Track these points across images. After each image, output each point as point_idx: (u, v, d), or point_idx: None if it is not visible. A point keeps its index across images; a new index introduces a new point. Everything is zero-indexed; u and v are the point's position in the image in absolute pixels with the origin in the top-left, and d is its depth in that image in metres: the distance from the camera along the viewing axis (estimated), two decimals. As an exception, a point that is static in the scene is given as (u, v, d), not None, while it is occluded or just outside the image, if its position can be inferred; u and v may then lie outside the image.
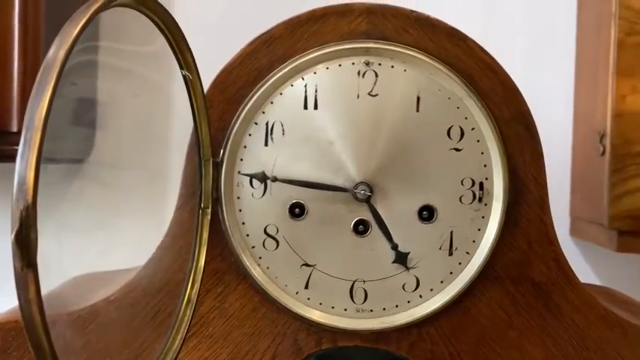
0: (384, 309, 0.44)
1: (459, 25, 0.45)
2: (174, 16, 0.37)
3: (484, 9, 0.76)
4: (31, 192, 0.21)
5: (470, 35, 0.44)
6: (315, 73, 0.44)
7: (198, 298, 0.41)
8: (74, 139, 0.67)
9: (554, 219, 0.45)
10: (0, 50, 0.62)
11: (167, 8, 0.36)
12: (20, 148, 0.22)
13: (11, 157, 0.65)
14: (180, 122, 0.69)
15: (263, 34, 0.44)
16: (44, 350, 0.22)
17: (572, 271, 0.45)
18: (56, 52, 0.23)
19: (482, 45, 0.44)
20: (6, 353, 0.43)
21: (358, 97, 0.43)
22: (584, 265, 0.78)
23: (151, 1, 0.32)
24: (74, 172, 0.72)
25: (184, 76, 0.38)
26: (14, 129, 0.63)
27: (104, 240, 0.66)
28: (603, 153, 0.69)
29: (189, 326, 0.40)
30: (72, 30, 0.24)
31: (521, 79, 0.45)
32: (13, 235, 0.22)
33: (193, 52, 0.39)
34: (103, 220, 0.68)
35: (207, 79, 0.43)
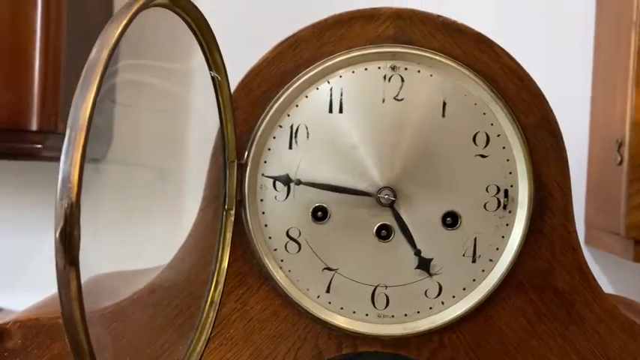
0: (406, 315, 0.44)
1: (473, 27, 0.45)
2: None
3: (499, 16, 0.76)
4: (75, 190, 0.21)
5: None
6: (340, 76, 0.44)
7: (221, 299, 0.41)
8: (93, 140, 0.67)
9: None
10: (22, 51, 0.62)
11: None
12: (64, 146, 0.22)
13: (31, 155, 0.65)
14: (198, 126, 0.69)
15: (290, 37, 0.44)
16: (82, 347, 0.22)
17: (595, 280, 0.45)
18: (99, 52, 0.23)
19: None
20: (26, 351, 0.43)
21: (384, 101, 0.43)
22: (599, 274, 0.78)
23: (186, 2, 0.32)
24: (90, 172, 0.72)
25: (213, 78, 0.39)
26: (34, 128, 0.63)
27: (124, 240, 0.66)
28: (621, 162, 0.68)
29: (212, 328, 0.40)
30: (114, 30, 0.24)
31: (539, 85, 0.45)
32: (57, 233, 0.22)
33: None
34: (121, 220, 0.68)
35: (233, 81, 0.43)
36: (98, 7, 0.72)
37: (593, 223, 0.77)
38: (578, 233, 0.77)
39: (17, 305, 0.51)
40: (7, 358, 0.43)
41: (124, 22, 0.25)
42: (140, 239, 0.68)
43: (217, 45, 0.38)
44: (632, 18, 0.66)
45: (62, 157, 0.22)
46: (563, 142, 0.44)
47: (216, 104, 0.40)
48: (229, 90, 0.41)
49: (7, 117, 0.63)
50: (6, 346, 0.43)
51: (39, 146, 0.64)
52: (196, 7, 0.34)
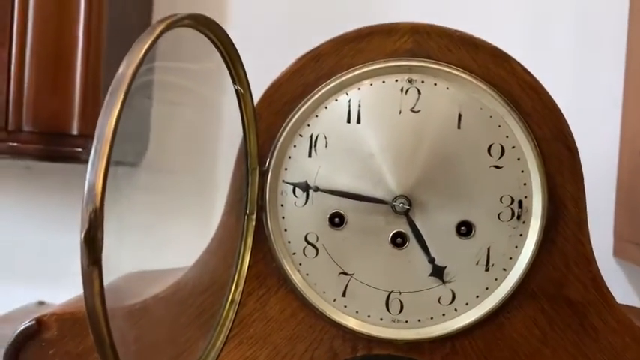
0: (419, 320, 0.45)
1: (506, 43, 0.46)
2: (228, 30, 0.39)
3: (530, 22, 0.76)
4: (99, 197, 0.24)
5: (518, 52, 0.45)
6: (359, 88, 0.45)
7: (241, 299, 0.43)
8: (130, 145, 0.70)
9: (597, 238, 0.45)
10: (64, 58, 0.66)
11: (222, 22, 0.38)
12: (91, 157, 0.24)
13: (72, 159, 0.69)
14: (228, 133, 0.72)
15: (311, 50, 0.46)
16: (104, 340, 0.25)
17: (609, 291, 0.45)
18: (125, 69, 0.26)
19: (529, 60, 0.45)
20: (62, 342, 0.46)
21: (400, 112, 0.45)
22: (627, 286, 0.77)
23: (210, 22, 0.35)
24: (128, 176, 0.75)
25: (236, 90, 0.41)
26: (75, 132, 0.67)
27: (155, 241, 0.69)
28: (650, 173, 0.68)
29: (231, 326, 0.42)
30: (140, 49, 0.27)
31: (569, 94, 0.45)
32: (82, 235, 0.24)
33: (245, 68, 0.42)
34: (153, 222, 0.71)
35: (256, 93, 0.45)
36: (137, 17, 0.76)
37: (622, 235, 0.77)
38: (607, 244, 0.77)
39: (61, 300, 0.54)
40: (44, 348, 0.46)
41: (150, 41, 0.27)
42: (171, 241, 0.71)
43: (240, 60, 0.40)
44: (663, 28, 0.65)
45: (89, 167, 0.24)
46: (577, 155, 0.45)
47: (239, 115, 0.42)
48: (252, 102, 0.43)
49: (51, 122, 0.67)
50: (43, 336, 0.46)
51: (79, 150, 0.67)
52: (220, 26, 0.36)
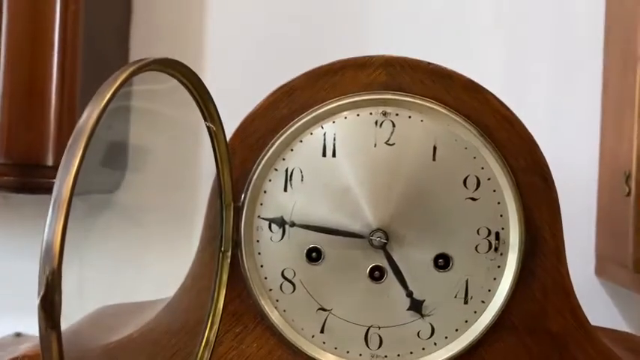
0: (399, 355, 0.45)
1: (482, 73, 0.46)
2: (203, 64, 0.39)
3: (507, 48, 0.77)
4: (57, 258, 0.23)
5: (493, 82, 0.45)
6: (333, 122, 0.45)
7: (216, 339, 0.42)
8: (105, 175, 0.69)
9: (578, 258, 0.45)
10: (39, 91, 0.65)
11: (198, 55, 0.38)
12: (49, 214, 0.24)
13: (48, 190, 0.68)
14: (208, 165, 0.71)
15: (284, 85, 0.45)
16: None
17: (588, 322, 0.45)
18: (85, 121, 0.25)
19: (505, 89, 0.45)
20: (34, 385, 0.45)
21: (375, 145, 0.45)
22: (610, 305, 0.77)
23: (177, 64, 0.34)
24: (103, 204, 0.74)
25: (208, 128, 0.40)
26: (50, 163, 0.66)
27: (128, 274, 0.68)
28: (629, 194, 0.68)
29: (206, 368, 0.41)
30: (101, 100, 0.26)
31: (548, 116, 0.45)
32: (39, 300, 0.23)
33: (219, 101, 0.41)
34: (127, 254, 0.70)
35: (231, 127, 0.45)
36: (114, 47, 0.75)
37: (604, 255, 0.77)
38: (589, 264, 0.77)
39: (36, 330, 0.53)
40: (15, 392, 0.45)
41: (110, 92, 0.26)
42: (148, 272, 0.69)
43: (211, 97, 0.40)
44: (637, 52, 0.66)
45: (46, 226, 0.24)
46: (554, 186, 0.45)
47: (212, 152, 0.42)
48: (225, 138, 0.42)
49: (25, 153, 0.66)
50: (14, 380, 0.45)
51: (54, 181, 0.66)
52: (188, 68, 0.36)
